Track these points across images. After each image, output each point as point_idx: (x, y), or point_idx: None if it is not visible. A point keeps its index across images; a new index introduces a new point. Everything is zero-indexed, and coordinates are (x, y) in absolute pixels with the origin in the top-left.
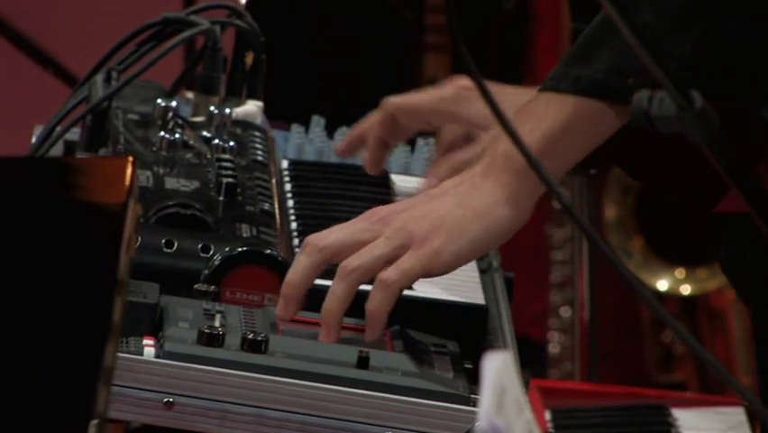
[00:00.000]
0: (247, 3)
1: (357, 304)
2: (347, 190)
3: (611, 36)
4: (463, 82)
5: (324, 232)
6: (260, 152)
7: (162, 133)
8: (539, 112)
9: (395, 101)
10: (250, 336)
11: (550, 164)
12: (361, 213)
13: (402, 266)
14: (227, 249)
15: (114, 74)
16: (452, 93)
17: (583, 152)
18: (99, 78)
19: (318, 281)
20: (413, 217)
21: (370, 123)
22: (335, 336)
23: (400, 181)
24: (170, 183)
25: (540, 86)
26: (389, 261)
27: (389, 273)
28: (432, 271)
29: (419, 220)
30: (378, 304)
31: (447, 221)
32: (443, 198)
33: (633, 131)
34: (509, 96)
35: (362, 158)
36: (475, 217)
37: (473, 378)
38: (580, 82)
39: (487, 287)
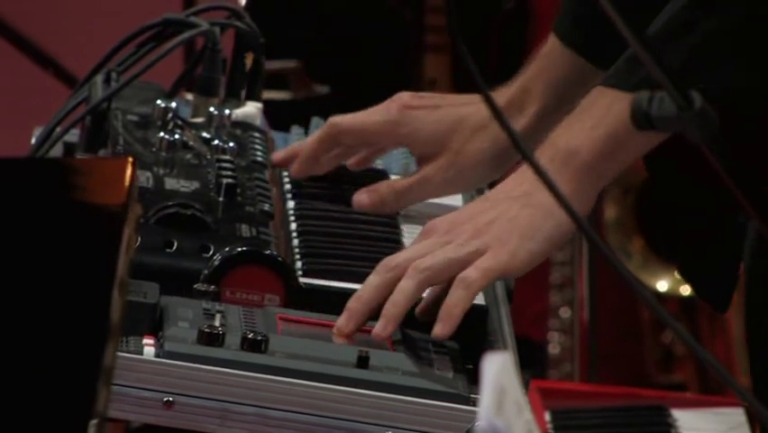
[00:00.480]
0: (246, 4)
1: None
2: (346, 191)
3: (680, 36)
4: (406, 100)
5: (397, 253)
6: (259, 153)
7: (162, 134)
8: (600, 109)
9: (338, 123)
10: (250, 336)
11: (610, 164)
12: (358, 213)
13: (482, 266)
14: (227, 249)
15: (114, 75)
16: (399, 116)
17: (641, 152)
18: (99, 78)
19: (332, 283)
20: (481, 224)
21: (310, 141)
22: (391, 330)
23: None
24: (170, 184)
25: (601, 80)
26: (462, 265)
27: (470, 272)
28: (510, 271)
29: (489, 226)
30: (458, 301)
31: (518, 222)
32: (506, 202)
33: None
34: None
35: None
36: (545, 215)
37: (473, 378)
38: (647, 82)
39: (487, 288)
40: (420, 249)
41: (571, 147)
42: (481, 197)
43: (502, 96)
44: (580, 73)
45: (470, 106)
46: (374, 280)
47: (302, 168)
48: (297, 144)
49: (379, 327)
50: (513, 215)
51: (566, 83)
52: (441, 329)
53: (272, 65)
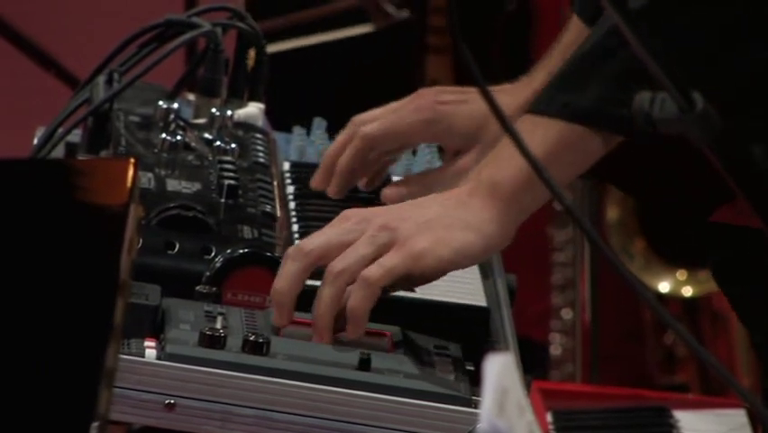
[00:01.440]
0: (247, 4)
1: None
2: (348, 192)
3: (603, 63)
4: (433, 96)
5: (307, 237)
6: (261, 154)
7: (164, 135)
8: (524, 135)
9: (369, 133)
10: (251, 338)
11: (531, 193)
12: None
13: (385, 264)
14: (228, 251)
15: (116, 76)
16: (432, 114)
17: (568, 178)
18: (101, 79)
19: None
20: (397, 218)
21: (340, 150)
22: (328, 338)
23: None
24: (172, 185)
25: (526, 107)
26: (374, 260)
27: (372, 271)
28: (413, 272)
29: (404, 221)
30: (359, 301)
31: (433, 225)
32: (428, 206)
33: (621, 145)
34: (476, 99)
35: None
36: (462, 227)
37: (475, 380)
38: (569, 108)
39: (488, 289)
40: (331, 235)
41: (494, 179)
42: (415, 200)
43: (526, 88)
44: None
45: (497, 96)
46: (290, 267)
47: (341, 186)
48: (326, 161)
49: (316, 339)
50: (430, 217)
51: None
52: (351, 332)
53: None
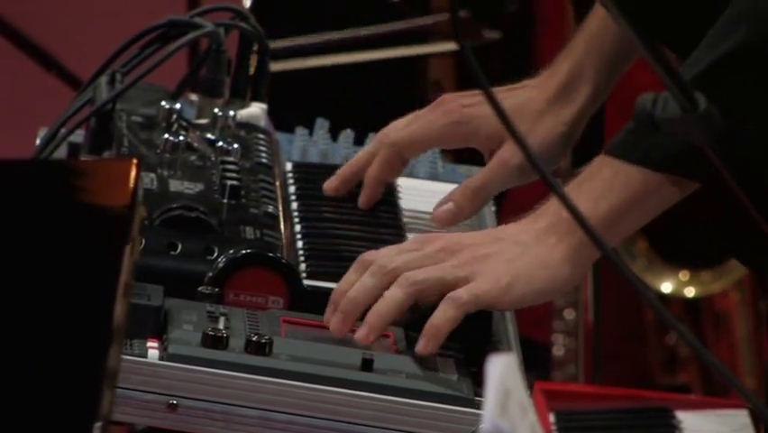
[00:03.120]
0: (251, 5)
1: None
2: (351, 193)
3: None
4: (457, 100)
5: (386, 252)
6: (264, 155)
7: (166, 136)
8: (604, 181)
9: (399, 140)
10: (254, 339)
11: (610, 236)
12: (363, 215)
13: (474, 290)
14: (231, 251)
15: (119, 76)
16: (459, 116)
17: (644, 222)
18: (103, 80)
19: (333, 285)
20: (479, 254)
21: (369, 161)
22: (375, 339)
23: (405, 184)
24: (174, 185)
25: (604, 149)
26: (451, 288)
27: (462, 293)
28: (497, 304)
29: (486, 259)
30: (445, 320)
31: (516, 265)
32: (507, 243)
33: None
34: (518, 94)
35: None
36: (542, 267)
37: (477, 380)
38: (652, 155)
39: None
40: (414, 258)
41: (572, 219)
42: (487, 230)
43: (552, 81)
44: (628, 47)
45: (521, 93)
46: (370, 281)
47: (372, 195)
48: (347, 169)
49: (362, 335)
50: (510, 258)
51: (616, 59)
52: (425, 346)
53: (426, 20)
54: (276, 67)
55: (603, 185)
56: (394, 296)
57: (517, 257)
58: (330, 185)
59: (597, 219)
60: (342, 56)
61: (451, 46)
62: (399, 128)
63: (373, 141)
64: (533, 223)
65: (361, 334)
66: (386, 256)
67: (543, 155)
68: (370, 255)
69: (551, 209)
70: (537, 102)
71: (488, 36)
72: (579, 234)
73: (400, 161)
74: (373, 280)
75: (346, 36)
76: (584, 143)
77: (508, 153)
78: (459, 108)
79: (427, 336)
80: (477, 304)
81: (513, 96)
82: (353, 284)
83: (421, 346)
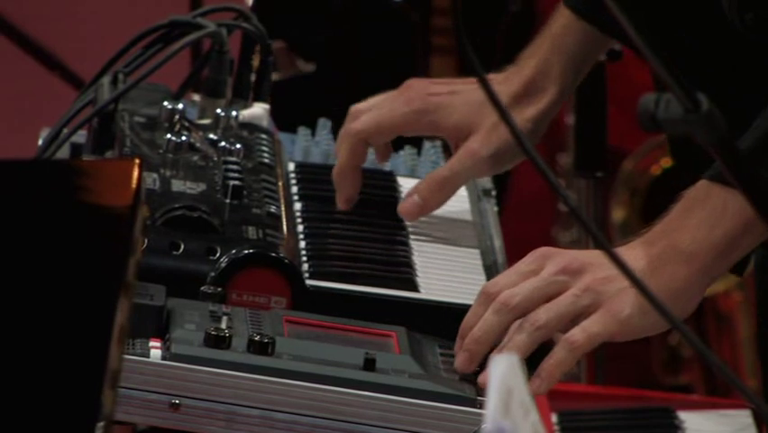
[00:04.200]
0: (253, 4)
1: (374, 313)
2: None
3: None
4: (422, 87)
5: (507, 281)
6: (266, 155)
7: (169, 136)
8: (716, 207)
9: (362, 130)
10: (256, 338)
11: (724, 263)
12: (365, 215)
13: (590, 330)
14: (233, 251)
15: (121, 77)
16: (422, 104)
17: (754, 246)
18: (106, 80)
19: (339, 286)
20: (602, 278)
21: (343, 158)
22: (473, 367)
23: (407, 184)
24: (177, 186)
25: (711, 172)
26: (573, 318)
27: (577, 335)
28: (615, 337)
29: (607, 281)
30: (560, 363)
31: (634, 295)
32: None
33: None
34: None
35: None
36: (662, 298)
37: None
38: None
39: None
40: (537, 288)
41: (686, 250)
42: (597, 251)
43: (518, 77)
44: (594, 46)
45: (507, 85)
46: (494, 320)
47: (351, 191)
48: (339, 176)
49: (463, 363)
50: (630, 284)
51: (582, 59)
52: (539, 387)
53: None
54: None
55: (715, 212)
56: (520, 343)
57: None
58: (341, 200)
59: (709, 248)
60: None
61: None
62: (363, 111)
63: (339, 136)
64: (647, 248)
65: (460, 361)
66: (508, 288)
67: (506, 151)
68: (493, 286)
69: (663, 234)
70: (502, 97)
71: (303, 68)
72: (695, 266)
73: (365, 148)
74: (497, 318)
75: None
76: (587, 144)
77: (477, 144)
78: (423, 97)
79: (542, 377)
80: (593, 344)
81: (479, 90)
82: (479, 317)
83: (535, 386)
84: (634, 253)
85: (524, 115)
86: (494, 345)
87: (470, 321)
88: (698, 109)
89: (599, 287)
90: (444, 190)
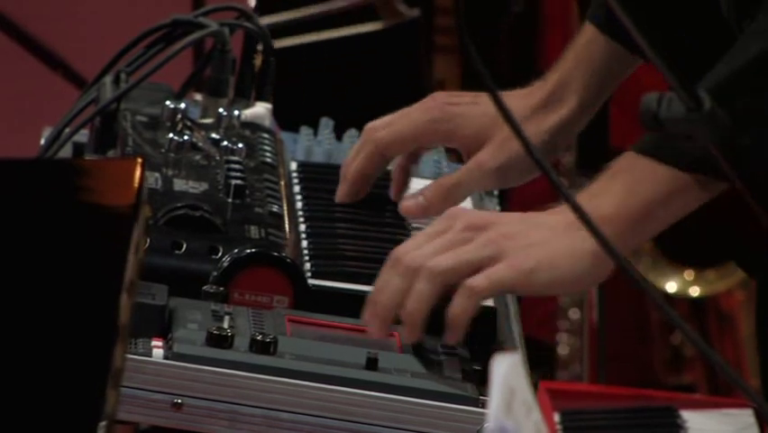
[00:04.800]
0: (256, 4)
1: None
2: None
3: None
4: (443, 98)
5: (414, 244)
6: (268, 154)
7: (171, 135)
8: (635, 177)
9: (380, 139)
10: (259, 338)
11: (639, 234)
12: (368, 215)
13: (492, 276)
14: (236, 251)
15: (123, 76)
16: (440, 113)
17: (669, 223)
18: (108, 80)
19: (342, 285)
20: (507, 233)
21: (357, 159)
22: (418, 335)
23: (410, 184)
24: (179, 185)
25: (639, 144)
26: (476, 269)
27: (478, 280)
28: (518, 288)
29: (513, 237)
30: (461, 310)
31: (542, 249)
32: (536, 227)
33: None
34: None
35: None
36: (568, 256)
37: (482, 380)
38: (683, 155)
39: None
40: (441, 244)
41: (603, 214)
42: (515, 213)
43: (540, 90)
44: (619, 62)
45: (510, 98)
46: (394, 281)
47: (351, 192)
48: (344, 170)
49: (406, 337)
50: (539, 240)
51: (605, 73)
52: (449, 337)
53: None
54: (278, 44)
55: (633, 181)
56: (422, 291)
57: (545, 241)
58: (340, 195)
59: (626, 215)
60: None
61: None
62: (385, 124)
63: (361, 137)
64: (563, 213)
65: (405, 337)
66: (412, 250)
67: (521, 162)
68: (399, 251)
69: (583, 200)
70: (522, 109)
71: (406, 13)
72: (611, 229)
73: (383, 159)
74: (400, 280)
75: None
76: (589, 144)
77: (487, 156)
78: (441, 106)
79: (449, 326)
80: (496, 290)
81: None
82: (387, 283)
83: (446, 337)
84: (548, 215)
85: (541, 127)
86: (428, 313)
87: (377, 287)
88: (700, 108)
89: (503, 241)
90: (450, 198)
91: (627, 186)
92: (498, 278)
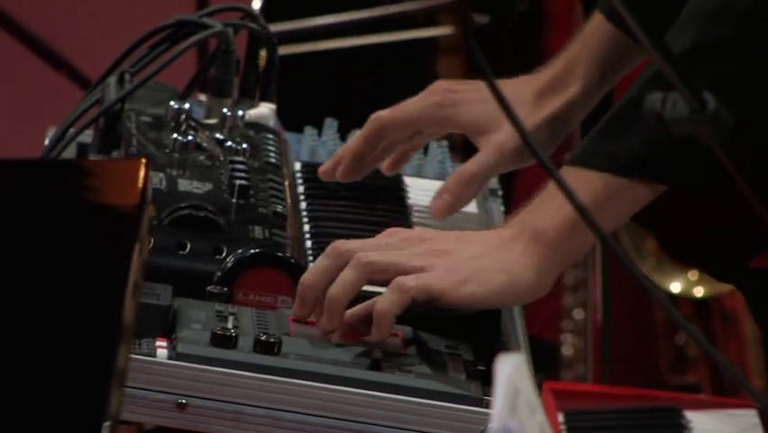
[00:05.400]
0: (262, 7)
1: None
2: (359, 193)
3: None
4: (445, 86)
5: (350, 241)
6: (272, 154)
7: (175, 136)
8: (569, 185)
9: (384, 116)
10: (262, 338)
11: (574, 243)
12: (372, 215)
13: (423, 279)
14: (240, 251)
15: (128, 76)
16: (440, 98)
17: (613, 226)
18: (112, 80)
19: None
20: (439, 249)
21: (354, 142)
22: (337, 323)
23: (413, 184)
24: (183, 185)
25: (571, 156)
26: (404, 273)
27: (409, 279)
28: (445, 297)
29: (445, 254)
30: (389, 305)
31: (474, 264)
32: (470, 243)
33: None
34: (507, 89)
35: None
36: (501, 270)
37: (486, 380)
38: (613, 160)
39: None
40: (372, 243)
41: (537, 227)
42: (454, 231)
43: (545, 74)
44: (623, 51)
45: (510, 86)
46: (322, 262)
47: (349, 169)
48: (340, 153)
49: (324, 322)
50: (471, 255)
51: (610, 61)
52: (375, 335)
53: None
54: (284, 51)
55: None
56: (346, 277)
57: (477, 257)
58: (323, 169)
59: (559, 225)
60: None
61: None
62: (388, 110)
63: (367, 123)
64: (500, 231)
65: (322, 322)
66: (345, 240)
67: (522, 146)
68: (337, 242)
69: (518, 218)
70: (525, 94)
71: (478, 19)
72: (545, 241)
73: (380, 138)
74: (326, 261)
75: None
76: None
77: (504, 137)
78: (442, 92)
79: (376, 322)
80: (424, 291)
81: (503, 86)
82: (317, 265)
83: (372, 335)
84: (486, 234)
85: (544, 110)
86: (325, 288)
87: (309, 269)
88: (704, 109)
89: (434, 256)
90: (473, 186)
91: (558, 199)
92: (426, 281)
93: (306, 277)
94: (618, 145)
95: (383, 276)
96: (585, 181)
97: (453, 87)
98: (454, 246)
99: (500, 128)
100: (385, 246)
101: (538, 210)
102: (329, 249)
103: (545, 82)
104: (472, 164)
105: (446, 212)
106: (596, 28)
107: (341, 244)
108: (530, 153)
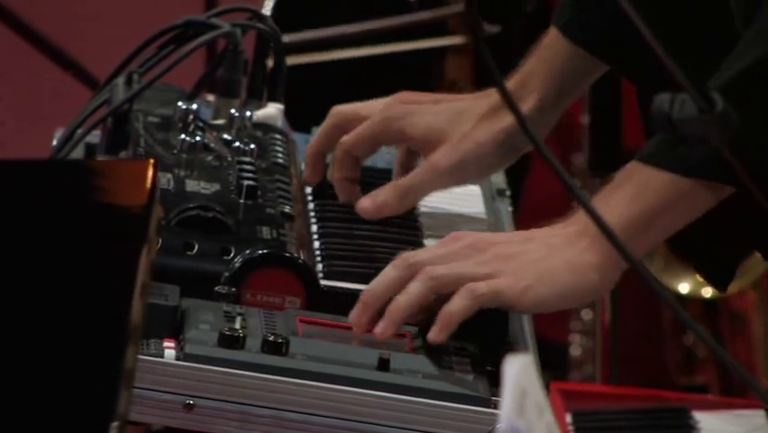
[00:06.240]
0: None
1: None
2: (367, 192)
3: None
4: (404, 97)
5: (418, 251)
6: (280, 155)
7: (183, 136)
8: (636, 186)
9: (347, 141)
10: (270, 339)
11: (641, 242)
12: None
13: (494, 286)
14: (248, 251)
15: (135, 77)
16: (395, 111)
17: (675, 229)
18: (120, 80)
19: (353, 286)
20: (505, 253)
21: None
22: (392, 332)
23: None
24: (191, 186)
25: (641, 153)
26: (472, 282)
27: (481, 286)
28: (515, 304)
29: (511, 258)
30: (458, 309)
31: (540, 266)
32: (535, 244)
33: None
34: (465, 103)
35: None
36: (567, 271)
37: (494, 380)
38: (685, 162)
39: None
40: (440, 254)
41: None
42: (517, 231)
43: (495, 93)
44: (581, 65)
45: (467, 100)
46: (390, 273)
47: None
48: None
49: (380, 327)
50: (538, 257)
51: (567, 75)
52: (436, 334)
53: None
54: (292, 60)
55: (635, 190)
56: (413, 289)
57: (543, 259)
58: (306, 176)
59: (627, 223)
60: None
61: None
62: (353, 112)
63: (327, 117)
64: (564, 227)
65: (379, 327)
66: (413, 252)
67: (477, 159)
68: (406, 253)
69: (583, 215)
70: (480, 107)
71: (488, 29)
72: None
73: (354, 160)
74: (395, 272)
75: (362, 29)
76: (602, 144)
77: (439, 156)
78: (398, 105)
79: (440, 323)
80: (494, 300)
81: (460, 100)
82: (385, 275)
83: (433, 334)
84: (550, 231)
85: (499, 125)
86: (387, 300)
87: (377, 279)
88: (712, 109)
89: (501, 261)
90: (406, 199)
91: (630, 194)
92: (499, 288)
93: (374, 287)
94: (690, 147)
95: (450, 288)
96: (653, 181)
97: (412, 98)
98: (519, 249)
99: (442, 146)
100: (452, 256)
101: (608, 206)
102: (398, 260)
103: (498, 99)
104: (408, 179)
105: (372, 213)
106: (551, 43)
107: (410, 256)
108: (486, 170)
